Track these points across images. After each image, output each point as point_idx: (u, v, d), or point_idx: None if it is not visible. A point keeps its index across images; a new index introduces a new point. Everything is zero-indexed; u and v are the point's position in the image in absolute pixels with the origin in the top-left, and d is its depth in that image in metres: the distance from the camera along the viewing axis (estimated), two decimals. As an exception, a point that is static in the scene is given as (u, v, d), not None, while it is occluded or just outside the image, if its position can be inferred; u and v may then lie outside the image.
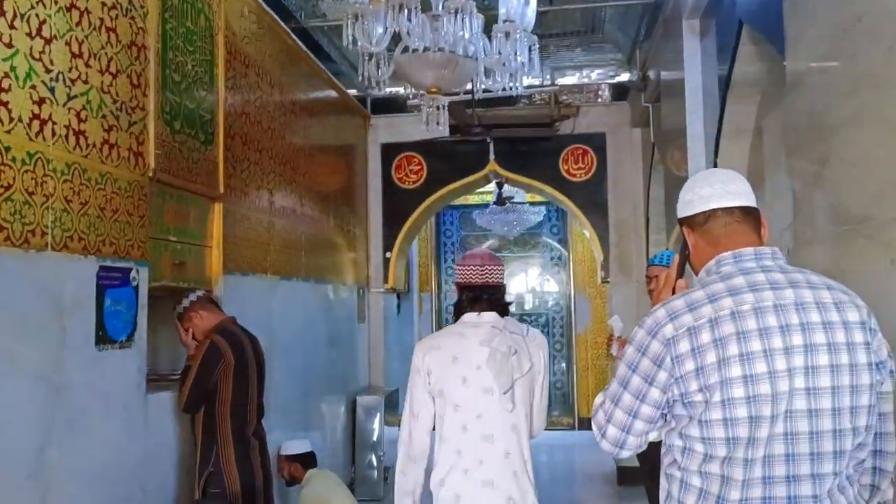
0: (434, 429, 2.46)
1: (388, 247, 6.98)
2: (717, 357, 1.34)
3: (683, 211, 1.56)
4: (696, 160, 4.03)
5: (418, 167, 6.98)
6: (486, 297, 2.47)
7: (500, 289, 2.52)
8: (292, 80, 5.03)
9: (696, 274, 1.56)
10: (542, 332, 9.85)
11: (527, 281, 10.04)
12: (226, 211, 3.89)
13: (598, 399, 1.54)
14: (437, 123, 3.40)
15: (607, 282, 6.73)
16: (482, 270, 2.47)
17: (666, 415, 1.44)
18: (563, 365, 9.75)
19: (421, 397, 2.43)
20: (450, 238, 10.13)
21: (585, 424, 9.34)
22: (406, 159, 7.00)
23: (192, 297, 3.41)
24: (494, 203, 7.97)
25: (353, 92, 6.57)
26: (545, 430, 2.63)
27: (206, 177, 3.67)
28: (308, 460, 4.43)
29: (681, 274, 1.61)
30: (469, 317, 2.46)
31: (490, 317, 2.45)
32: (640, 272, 6.55)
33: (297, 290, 5.00)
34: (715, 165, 3.79)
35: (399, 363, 8.50)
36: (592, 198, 6.75)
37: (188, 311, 3.39)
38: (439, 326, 9.92)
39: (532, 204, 8.76)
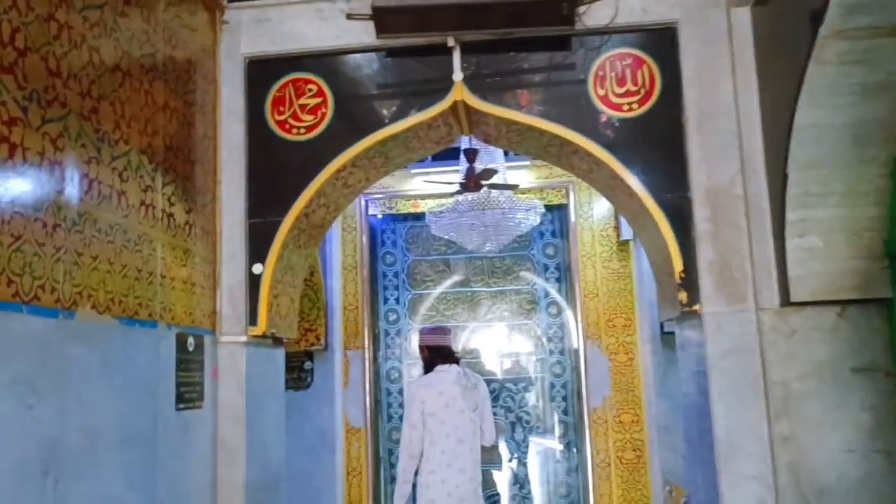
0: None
1: (257, 254, 3.56)
2: None
3: None
4: None
5: (318, 101, 3.65)
6: (447, 353, 4.13)
7: (452, 348, 4.21)
8: None
9: None
10: (526, 412, 6.53)
11: (504, 331, 6.59)
12: None
13: None
14: None
15: (692, 310, 3.36)
16: (444, 338, 4.16)
17: None
18: (570, 459, 6.27)
19: (417, 415, 3.92)
20: (391, 266, 6.69)
21: (609, 555, 5.83)
22: (293, 86, 3.66)
23: None
24: (461, 186, 4.61)
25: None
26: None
27: None
28: None
29: None
30: (441, 367, 4.09)
31: (454, 366, 4.09)
32: (765, 291, 3.24)
33: None
34: None
35: (308, 460, 4.99)
36: (654, 147, 3.47)
37: None
38: (377, 400, 6.42)
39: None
